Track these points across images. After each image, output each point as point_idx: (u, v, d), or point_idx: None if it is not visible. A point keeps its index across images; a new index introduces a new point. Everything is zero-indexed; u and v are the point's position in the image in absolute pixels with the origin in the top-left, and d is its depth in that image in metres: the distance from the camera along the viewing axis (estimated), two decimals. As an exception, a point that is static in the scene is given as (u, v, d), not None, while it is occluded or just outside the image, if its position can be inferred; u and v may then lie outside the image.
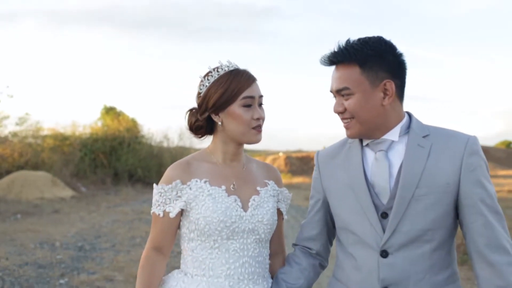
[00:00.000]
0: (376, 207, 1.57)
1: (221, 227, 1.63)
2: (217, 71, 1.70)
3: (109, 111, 20.66)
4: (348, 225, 1.64)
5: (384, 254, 1.55)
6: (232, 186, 1.72)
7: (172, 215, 1.67)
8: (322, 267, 1.82)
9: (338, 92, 1.59)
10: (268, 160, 47.72)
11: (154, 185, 1.72)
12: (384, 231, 1.55)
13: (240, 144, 1.74)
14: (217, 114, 1.70)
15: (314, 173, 1.79)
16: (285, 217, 1.86)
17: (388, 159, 1.59)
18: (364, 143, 1.64)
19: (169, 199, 1.68)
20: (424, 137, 1.58)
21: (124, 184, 16.50)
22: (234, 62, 1.75)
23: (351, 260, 1.64)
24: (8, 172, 13.35)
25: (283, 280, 1.73)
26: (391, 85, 1.55)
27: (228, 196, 1.68)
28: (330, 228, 1.80)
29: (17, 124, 15.50)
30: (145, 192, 15.19)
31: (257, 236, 1.69)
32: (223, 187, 1.69)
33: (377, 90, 1.55)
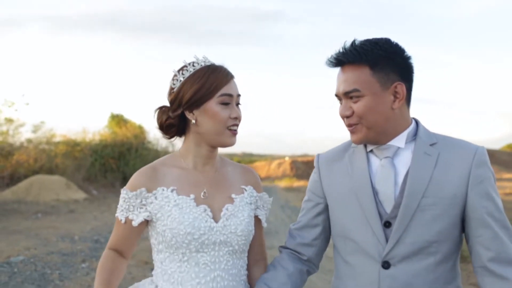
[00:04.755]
0: (380, 215, 1.51)
1: (188, 240, 1.53)
2: (193, 66, 1.60)
3: (115, 118, 21.57)
4: (348, 232, 1.57)
5: (386, 265, 1.49)
6: (203, 194, 1.61)
7: (134, 223, 1.59)
8: (310, 273, 1.73)
9: (346, 95, 1.51)
10: (274, 164, 47.90)
11: (122, 188, 1.64)
12: (387, 241, 1.49)
13: (214, 147, 1.64)
14: (191, 111, 1.59)
15: (314, 176, 1.71)
16: (264, 225, 1.75)
17: (394, 166, 1.52)
18: (368, 148, 1.58)
19: (133, 206, 1.59)
20: (431, 145, 1.53)
21: (132, 187, 17.32)
22: (210, 58, 1.64)
23: (349, 269, 1.58)
24: (25, 176, 14.30)
25: (266, 285, 1.59)
26: (402, 88, 1.50)
27: (197, 205, 1.57)
28: (328, 235, 1.71)
29: (32, 131, 16.45)
30: (152, 195, 16.01)
31: (231, 248, 1.58)
32: (192, 196, 1.59)
33: (388, 93, 1.49)
